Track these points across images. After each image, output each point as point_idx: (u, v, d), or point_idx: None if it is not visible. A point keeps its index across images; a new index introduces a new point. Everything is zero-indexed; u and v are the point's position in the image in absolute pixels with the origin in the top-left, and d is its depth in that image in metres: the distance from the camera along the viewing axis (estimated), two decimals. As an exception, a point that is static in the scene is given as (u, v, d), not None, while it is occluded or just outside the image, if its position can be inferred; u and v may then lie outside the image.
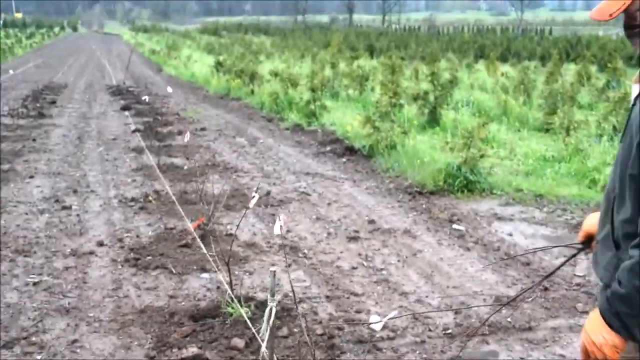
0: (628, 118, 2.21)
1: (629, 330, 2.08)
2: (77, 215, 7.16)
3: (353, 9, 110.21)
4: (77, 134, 12.44)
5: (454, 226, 6.96)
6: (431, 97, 13.54)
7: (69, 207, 7.40)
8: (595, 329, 2.14)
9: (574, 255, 2.82)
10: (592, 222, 2.60)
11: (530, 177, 9.03)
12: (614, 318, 2.09)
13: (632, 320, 2.06)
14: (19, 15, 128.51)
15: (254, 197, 4.23)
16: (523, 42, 47.12)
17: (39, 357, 4.13)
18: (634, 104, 2.21)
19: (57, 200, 7.68)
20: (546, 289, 5.35)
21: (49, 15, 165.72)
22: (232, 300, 4.62)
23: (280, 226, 3.06)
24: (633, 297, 2.02)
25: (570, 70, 24.11)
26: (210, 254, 5.39)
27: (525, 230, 6.93)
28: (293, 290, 2.97)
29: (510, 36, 55.64)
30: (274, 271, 2.82)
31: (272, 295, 2.81)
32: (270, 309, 2.81)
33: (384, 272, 5.71)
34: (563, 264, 2.91)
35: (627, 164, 2.11)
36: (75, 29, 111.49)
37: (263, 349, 2.78)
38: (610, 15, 2.22)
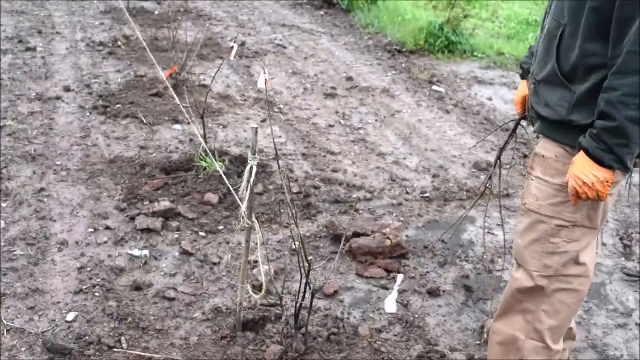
0: None
1: (621, 160, 2.11)
2: (42, 57, 6.81)
3: None
4: (40, -30, 11.75)
5: (434, 87, 6.80)
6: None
7: (34, 49, 7.03)
8: (584, 169, 2.14)
9: (516, 126, 2.82)
10: (520, 89, 2.72)
11: (512, 41, 8.80)
12: (605, 153, 2.09)
13: (625, 150, 2.08)
14: None
15: (232, 47, 3.97)
16: None
17: (4, 205, 3.97)
18: None
19: (20, 41, 7.28)
20: (525, 156, 5.27)
21: None
22: (206, 154, 4.47)
23: (265, 80, 2.86)
24: (625, 126, 2.03)
25: None
26: (184, 104, 5.18)
27: (505, 95, 6.79)
28: (275, 148, 2.80)
29: None
30: (256, 128, 2.64)
31: (254, 153, 2.65)
32: (251, 167, 2.65)
33: (361, 131, 5.58)
34: (509, 139, 2.84)
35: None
36: None
37: (243, 208, 2.65)
38: None
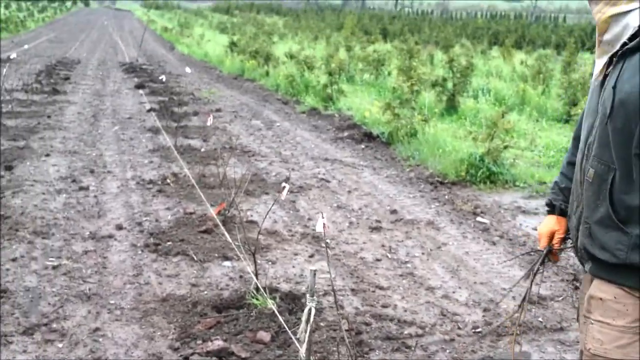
0: (612, 101, 2.19)
1: None
2: (95, 196, 7.06)
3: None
4: (92, 111, 12.33)
5: (478, 219, 6.83)
6: (449, 84, 13.38)
7: (87, 188, 7.30)
8: None
9: (544, 259, 2.74)
10: (548, 224, 2.70)
11: (552, 170, 8.87)
12: None
13: None
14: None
15: (283, 188, 4.10)
16: (537, 29, 46.72)
17: (60, 345, 4.03)
18: (603, 81, 2.26)
19: (74, 180, 7.57)
20: (576, 288, 5.22)
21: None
22: (257, 291, 4.51)
23: (324, 224, 2.94)
24: None
25: (586, 60, 23.82)
26: (235, 242, 5.28)
27: (550, 225, 6.78)
28: (335, 293, 2.84)
29: (524, 23, 55.15)
30: (314, 270, 2.69)
31: (312, 295, 2.69)
32: (310, 310, 2.69)
33: (408, 265, 5.59)
34: (530, 273, 2.80)
35: (627, 145, 2.13)
36: (87, 4, 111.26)
37: (302, 352, 2.66)
38: None
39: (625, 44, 2.19)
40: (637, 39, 2.16)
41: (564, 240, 2.69)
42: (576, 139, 2.63)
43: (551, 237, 2.69)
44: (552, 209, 2.71)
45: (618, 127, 2.16)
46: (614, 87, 2.19)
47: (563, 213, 2.65)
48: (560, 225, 2.67)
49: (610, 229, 2.24)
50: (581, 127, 2.57)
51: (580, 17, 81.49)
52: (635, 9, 2.18)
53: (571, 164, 2.63)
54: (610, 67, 2.25)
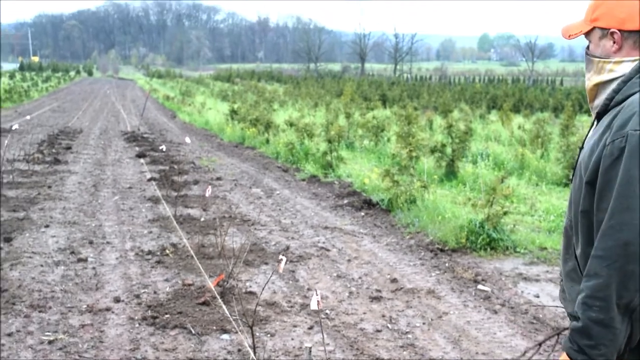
0: (577, 159, 2.39)
1: None
2: (93, 268, 7.02)
3: (365, 58, 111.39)
4: (92, 181, 12.38)
5: (479, 287, 6.77)
6: (448, 150, 13.46)
7: (85, 260, 7.26)
8: None
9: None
10: None
11: (553, 235, 8.84)
12: (578, 354, 2.15)
13: (595, 352, 2.12)
14: (35, 59, 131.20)
15: (280, 260, 4.08)
16: (535, 92, 47.27)
17: None
18: (581, 147, 2.40)
19: (72, 252, 7.55)
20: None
21: (65, 59, 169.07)
22: (255, 366, 4.45)
23: (318, 301, 2.91)
24: (590, 328, 2.11)
25: (584, 122, 24.04)
26: (233, 315, 5.22)
27: (552, 291, 6.72)
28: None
29: (522, 87, 55.81)
30: (310, 347, 2.66)
31: (309, 374, 2.65)
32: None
33: (409, 335, 5.52)
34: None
35: (579, 202, 2.27)
36: (90, 73, 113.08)
37: None
38: (570, 36, 2.46)
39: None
40: (603, 102, 2.32)
41: None
42: None
43: None
44: None
45: (576, 185, 2.33)
46: (581, 148, 2.40)
47: None
48: None
49: (575, 283, 2.34)
50: None
51: (577, 80, 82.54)
52: (619, 77, 2.30)
53: None
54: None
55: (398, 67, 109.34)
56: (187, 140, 15.72)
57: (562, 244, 2.48)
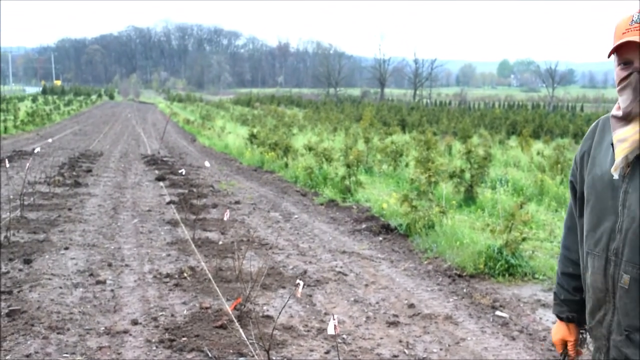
0: (621, 196, 2.23)
1: None
2: (112, 290, 7.06)
3: (384, 83, 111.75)
4: (112, 204, 12.47)
5: (497, 313, 6.73)
6: (467, 175, 13.44)
7: (104, 282, 7.31)
8: None
9: None
10: (559, 332, 2.72)
11: (572, 262, 8.76)
12: None
13: None
14: (58, 83, 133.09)
15: (298, 284, 4.09)
16: (555, 118, 47.16)
17: None
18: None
19: (91, 274, 7.60)
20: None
21: (88, 83, 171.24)
22: (271, 390, 4.44)
23: (335, 325, 2.92)
24: None
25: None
26: (249, 339, 5.23)
27: (571, 319, 6.66)
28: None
29: (542, 112, 55.66)
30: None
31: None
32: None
33: (426, 361, 5.49)
34: None
35: None
36: (112, 97, 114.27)
37: None
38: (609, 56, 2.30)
39: None
40: None
41: (577, 344, 2.70)
42: (571, 230, 2.65)
43: (564, 344, 2.71)
44: (564, 310, 2.71)
45: None
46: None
47: (572, 320, 2.67)
48: (572, 332, 2.69)
49: None
50: (574, 218, 2.59)
51: (598, 106, 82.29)
52: None
53: (566, 274, 2.68)
54: (629, 169, 2.24)
55: (418, 92, 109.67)
56: (207, 164, 15.81)
57: (624, 298, 2.22)
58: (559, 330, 2.73)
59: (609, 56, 2.30)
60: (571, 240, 2.66)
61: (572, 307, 2.65)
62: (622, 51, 2.24)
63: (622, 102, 2.27)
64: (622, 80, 2.25)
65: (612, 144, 2.29)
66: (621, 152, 2.22)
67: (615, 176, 2.25)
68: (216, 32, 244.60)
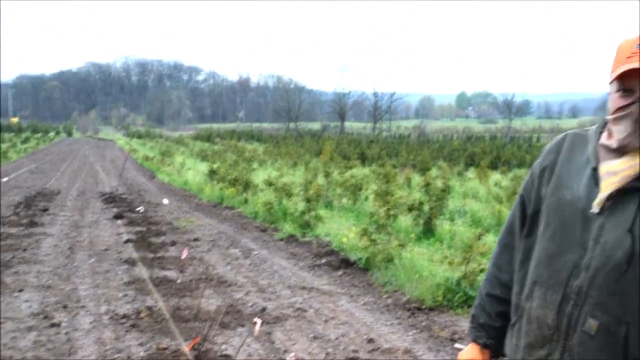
0: (594, 231, 2.07)
1: None
2: (66, 333, 6.92)
3: (344, 117, 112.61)
4: (68, 243, 12.28)
5: (456, 345, 6.76)
6: (426, 208, 13.54)
7: (58, 325, 7.16)
8: None
9: None
10: (470, 354, 2.50)
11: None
12: None
13: None
14: (15, 120, 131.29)
15: (256, 322, 4.06)
16: (512, 149, 47.91)
17: None
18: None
19: (46, 317, 7.44)
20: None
21: (46, 119, 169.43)
22: None
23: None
24: None
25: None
26: (206, 379, 5.16)
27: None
28: None
29: (499, 144, 56.54)
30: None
31: None
32: None
33: (385, 397, 5.47)
34: None
35: None
36: (70, 134, 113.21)
37: None
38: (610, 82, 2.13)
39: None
40: None
41: None
42: (507, 248, 2.51)
43: None
44: (482, 335, 2.51)
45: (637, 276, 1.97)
46: (630, 231, 2.01)
47: (488, 347, 2.49)
48: (484, 357, 2.50)
49: None
50: (514, 236, 2.46)
51: (553, 136, 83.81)
52: None
53: (492, 297, 2.49)
54: (609, 202, 2.07)
55: (377, 125, 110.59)
56: (165, 201, 15.71)
57: (587, 345, 2.04)
58: (471, 353, 2.52)
59: (610, 83, 2.13)
60: (505, 259, 2.48)
61: (490, 334, 2.47)
62: (624, 78, 2.06)
63: (617, 132, 2.09)
64: (620, 108, 2.08)
65: (593, 170, 2.14)
66: (609, 186, 2.06)
67: (596, 210, 2.07)
68: (176, 68, 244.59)
